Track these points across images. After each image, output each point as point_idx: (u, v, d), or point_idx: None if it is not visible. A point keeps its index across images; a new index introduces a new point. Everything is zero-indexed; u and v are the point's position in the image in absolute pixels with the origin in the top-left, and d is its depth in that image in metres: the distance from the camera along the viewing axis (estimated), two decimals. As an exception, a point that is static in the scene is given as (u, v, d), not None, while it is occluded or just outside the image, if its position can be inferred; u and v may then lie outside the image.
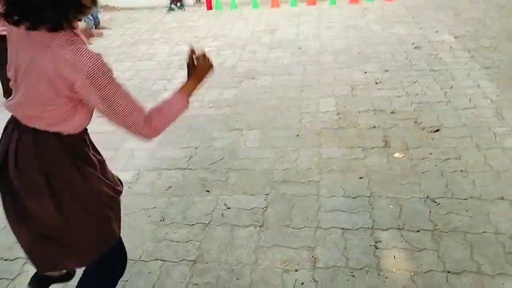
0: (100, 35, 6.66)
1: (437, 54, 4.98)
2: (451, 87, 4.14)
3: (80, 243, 1.61)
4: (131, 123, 1.46)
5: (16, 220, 1.59)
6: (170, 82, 4.87)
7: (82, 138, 1.62)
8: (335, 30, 6.22)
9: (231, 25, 6.93)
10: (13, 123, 1.54)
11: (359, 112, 3.85)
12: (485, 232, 2.42)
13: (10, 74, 1.50)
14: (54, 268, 1.82)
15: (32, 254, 1.64)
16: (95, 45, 5.72)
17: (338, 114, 3.87)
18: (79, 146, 1.60)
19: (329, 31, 6.21)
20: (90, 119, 1.60)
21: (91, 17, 6.71)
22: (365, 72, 4.64)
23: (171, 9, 8.03)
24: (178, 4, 8.07)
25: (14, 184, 1.51)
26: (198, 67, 1.66)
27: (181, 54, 5.67)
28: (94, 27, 6.70)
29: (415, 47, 5.25)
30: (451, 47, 5.12)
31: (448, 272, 2.20)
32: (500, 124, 3.47)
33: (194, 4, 8.41)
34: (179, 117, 1.61)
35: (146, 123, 1.48)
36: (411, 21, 6.31)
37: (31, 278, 2.01)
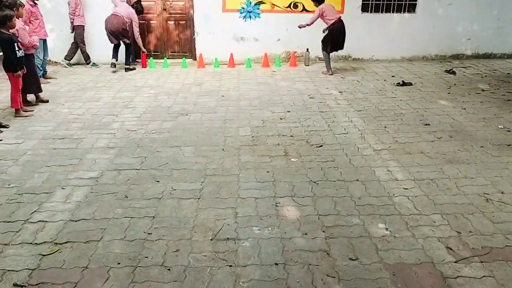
0: (48, 82, 7.66)
1: (325, 101, 6.65)
2: (332, 121, 5.72)
3: None
4: None
5: None
6: (117, 117, 5.95)
7: None
8: (251, 85, 7.77)
9: (164, 79, 8.24)
10: None
11: (268, 136, 5.22)
12: (344, 196, 3.79)
13: None
14: None
15: None
16: (46, 90, 6.75)
17: (252, 137, 5.22)
18: None
19: (245, 85, 7.75)
20: None
21: (41, 68, 7.64)
22: (273, 112, 6.11)
23: (94, 64, 9.24)
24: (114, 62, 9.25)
25: None
26: None
27: (124, 98, 6.81)
28: (42, 76, 7.60)
29: (310, 97, 6.90)
30: (335, 98, 6.84)
31: (320, 215, 3.49)
32: (362, 142, 5.02)
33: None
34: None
35: None
36: (308, 80, 8.08)
37: None
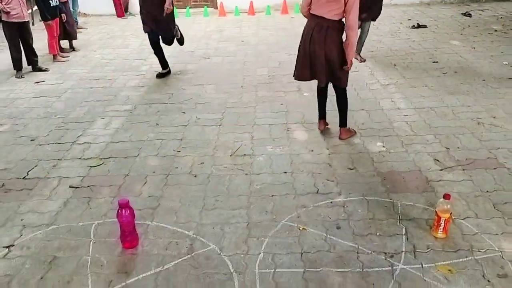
0: (80, 32, 8.15)
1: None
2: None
3: None
4: None
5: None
6: (145, 61, 6.46)
7: None
8: (269, 30, 8.11)
9: (187, 27, 8.63)
10: None
11: (283, 75, 5.64)
12: (349, 122, 4.24)
13: None
14: None
15: None
16: (79, 39, 7.28)
17: (269, 76, 5.66)
18: None
19: (264, 31, 8.09)
20: None
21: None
22: (289, 54, 6.48)
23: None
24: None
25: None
26: None
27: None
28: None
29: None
30: (350, 41, 7.12)
31: (325, 137, 3.97)
32: (371, 78, 5.41)
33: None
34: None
35: None
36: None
37: None
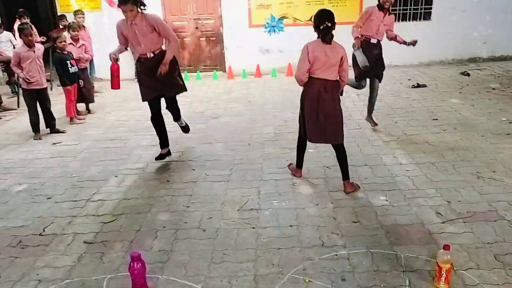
0: (96, 96, 8.56)
1: (343, 103, 7.24)
2: (348, 119, 6.30)
3: None
4: None
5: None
6: (157, 121, 6.77)
7: None
8: (275, 91, 8.49)
9: (197, 89, 9.06)
10: None
11: (289, 132, 5.88)
12: (352, 177, 4.39)
13: None
14: None
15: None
16: (95, 102, 7.60)
17: (275, 134, 5.90)
18: None
19: (270, 92, 8.47)
20: None
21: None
22: (294, 113, 6.72)
23: None
24: None
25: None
26: None
27: (162, 106, 7.63)
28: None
29: (329, 100, 7.52)
30: (352, 100, 7.43)
31: (330, 191, 4.11)
32: (373, 135, 5.62)
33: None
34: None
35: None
36: (329, 86, 8.71)
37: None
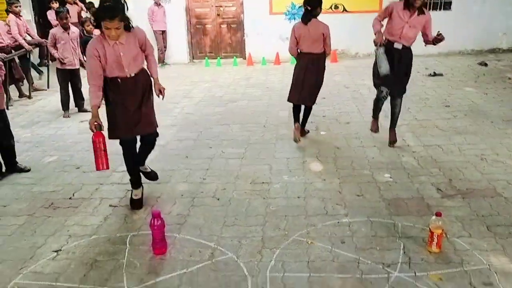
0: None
1: (359, 90, 7.45)
2: (362, 106, 6.52)
3: None
4: None
5: None
6: (178, 104, 7.09)
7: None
8: (293, 78, 8.70)
9: (217, 75, 9.36)
10: None
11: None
12: (360, 157, 4.62)
13: None
14: None
15: None
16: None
17: (289, 117, 6.12)
18: None
19: (288, 78, 8.61)
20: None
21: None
22: (310, 99, 7.00)
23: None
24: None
25: None
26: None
27: (183, 90, 7.98)
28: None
29: (345, 87, 7.73)
30: (369, 87, 7.57)
31: (338, 169, 4.36)
32: (385, 120, 5.79)
33: (188, 62, 10.93)
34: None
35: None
36: (346, 73, 8.90)
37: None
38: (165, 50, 10.59)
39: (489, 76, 8.03)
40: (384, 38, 4.53)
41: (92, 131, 3.45)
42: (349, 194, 3.84)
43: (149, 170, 4.08)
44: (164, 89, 3.75)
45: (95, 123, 3.44)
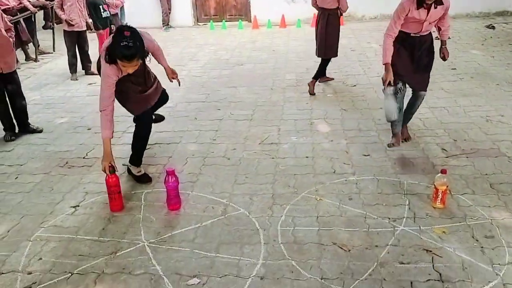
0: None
1: (365, 53, 7.43)
2: (368, 68, 6.54)
3: None
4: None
5: None
6: (184, 67, 7.11)
7: None
8: (299, 41, 8.66)
9: (223, 38, 9.31)
10: None
11: (310, 79, 6.14)
12: (367, 119, 4.69)
13: None
14: None
15: None
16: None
17: (296, 80, 6.18)
18: None
19: (294, 42, 8.65)
20: None
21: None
22: (316, 62, 6.97)
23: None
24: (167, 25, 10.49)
25: None
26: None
27: (189, 53, 7.96)
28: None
29: (351, 50, 7.70)
30: (375, 50, 7.58)
31: (345, 130, 4.43)
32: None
33: (192, 25, 10.83)
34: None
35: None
36: (352, 37, 8.83)
37: None
38: (169, 13, 10.49)
39: (496, 39, 7.98)
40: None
41: (107, 173, 3.19)
42: (356, 154, 3.94)
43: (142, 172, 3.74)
44: (176, 74, 3.97)
45: (109, 166, 3.20)
